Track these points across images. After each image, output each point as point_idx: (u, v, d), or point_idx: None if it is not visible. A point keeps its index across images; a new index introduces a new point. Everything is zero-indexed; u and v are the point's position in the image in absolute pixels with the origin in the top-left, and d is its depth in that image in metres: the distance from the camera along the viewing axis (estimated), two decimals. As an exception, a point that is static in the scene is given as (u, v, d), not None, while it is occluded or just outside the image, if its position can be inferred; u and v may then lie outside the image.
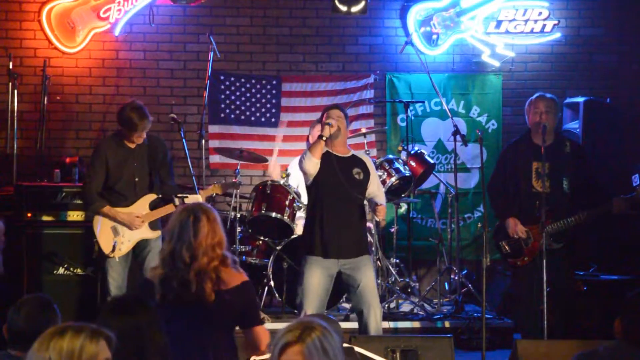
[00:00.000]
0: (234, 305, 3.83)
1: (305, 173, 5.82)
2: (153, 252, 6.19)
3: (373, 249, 7.01)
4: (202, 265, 3.78)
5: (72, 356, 2.45)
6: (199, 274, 3.77)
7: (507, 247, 6.31)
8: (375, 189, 5.90)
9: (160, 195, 6.32)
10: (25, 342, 3.43)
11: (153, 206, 6.29)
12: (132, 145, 6.24)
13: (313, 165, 5.68)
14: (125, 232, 6.17)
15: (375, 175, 5.94)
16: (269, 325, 6.51)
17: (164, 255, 3.88)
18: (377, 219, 6.13)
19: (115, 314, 2.97)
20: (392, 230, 7.72)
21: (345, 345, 3.96)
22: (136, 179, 6.23)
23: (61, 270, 7.04)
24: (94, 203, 6.18)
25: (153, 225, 6.29)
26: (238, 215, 7.16)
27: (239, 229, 7.14)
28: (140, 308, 3.01)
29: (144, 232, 6.25)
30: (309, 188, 5.87)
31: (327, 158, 5.73)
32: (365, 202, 5.92)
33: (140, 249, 6.28)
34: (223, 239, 3.89)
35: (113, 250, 6.10)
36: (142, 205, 6.25)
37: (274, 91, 8.59)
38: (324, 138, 5.68)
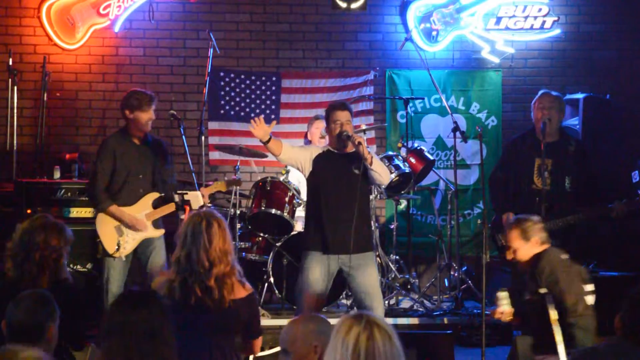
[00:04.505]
0: (242, 314, 3.98)
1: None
2: (157, 251, 6.17)
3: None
4: (220, 272, 3.91)
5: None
6: (218, 280, 3.90)
7: (502, 240, 6.32)
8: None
9: (162, 194, 6.29)
10: (25, 338, 3.43)
11: (155, 205, 6.26)
12: (138, 142, 6.22)
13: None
14: (129, 232, 6.11)
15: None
16: (269, 321, 6.54)
17: (180, 260, 3.95)
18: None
19: (128, 306, 2.94)
20: (392, 226, 7.72)
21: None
22: (140, 176, 6.19)
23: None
24: (102, 203, 6.11)
25: (156, 224, 6.24)
26: (238, 212, 7.15)
27: (238, 226, 7.13)
28: (153, 302, 2.99)
29: (148, 231, 6.19)
30: (307, 183, 5.83)
31: (327, 155, 5.71)
32: (371, 198, 5.83)
33: (143, 247, 6.21)
34: (232, 248, 4.03)
35: (117, 249, 6.06)
36: (145, 204, 6.19)
37: (273, 87, 8.58)
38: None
